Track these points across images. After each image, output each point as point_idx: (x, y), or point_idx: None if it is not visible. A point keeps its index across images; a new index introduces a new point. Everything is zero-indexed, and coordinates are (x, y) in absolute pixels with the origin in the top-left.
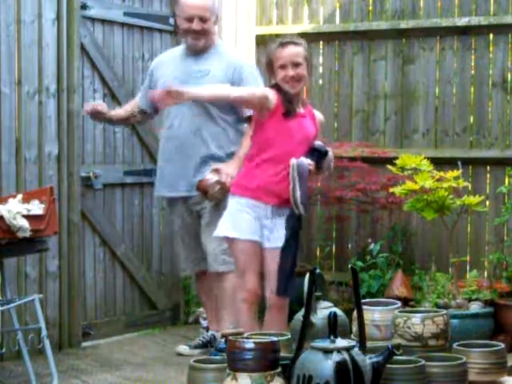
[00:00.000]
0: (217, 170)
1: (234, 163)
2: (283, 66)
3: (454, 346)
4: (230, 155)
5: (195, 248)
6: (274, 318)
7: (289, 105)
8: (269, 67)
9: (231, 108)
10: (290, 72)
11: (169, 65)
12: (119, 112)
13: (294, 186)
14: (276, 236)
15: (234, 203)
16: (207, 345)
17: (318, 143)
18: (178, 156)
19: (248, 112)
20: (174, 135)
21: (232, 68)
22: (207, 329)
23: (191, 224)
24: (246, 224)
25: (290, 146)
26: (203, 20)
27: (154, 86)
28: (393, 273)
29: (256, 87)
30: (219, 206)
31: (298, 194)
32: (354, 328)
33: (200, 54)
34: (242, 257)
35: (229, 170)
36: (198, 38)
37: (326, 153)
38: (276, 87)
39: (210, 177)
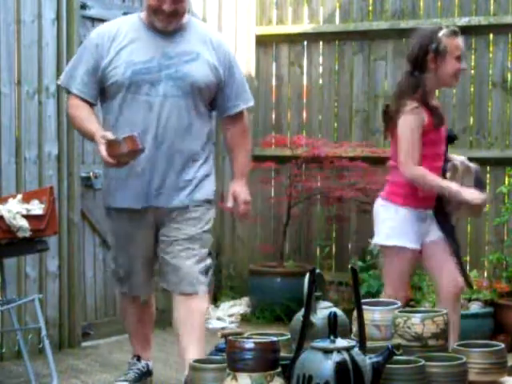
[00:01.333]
0: (233, 197)
1: (245, 186)
2: (458, 58)
3: (454, 345)
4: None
5: (151, 268)
6: (454, 305)
7: (438, 119)
8: (427, 54)
9: (211, 101)
10: (463, 65)
11: (132, 42)
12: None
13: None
14: (434, 230)
15: (397, 212)
16: (143, 376)
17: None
18: (162, 160)
19: (240, 106)
20: (157, 133)
21: (222, 54)
22: (138, 357)
23: (151, 239)
24: (413, 233)
25: (441, 147)
26: (177, 0)
27: (111, 68)
28: None
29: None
30: (203, 218)
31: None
32: (354, 328)
33: (174, 33)
34: (405, 266)
35: (246, 197)
36: (168, 21)
37: (455, 137)
38: (422, 99)
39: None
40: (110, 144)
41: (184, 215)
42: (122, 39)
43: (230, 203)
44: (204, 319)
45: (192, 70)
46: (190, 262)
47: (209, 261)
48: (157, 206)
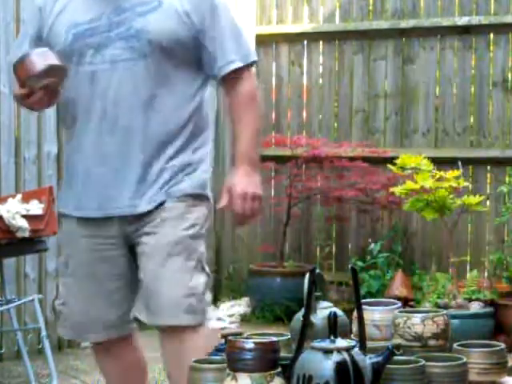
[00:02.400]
0: (227, 191)
1: (249, 175)
2: None
3: (455, 346)
4: (199, 147)
5: (114, 301)
6: None
7: None
8: None
9: (195, 53)
10: None
11: None
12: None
13: None
14: None
15: None
16: None
17: None
18: (116, 148)
19: (231, 65)
20: (106, 113)
21: None
22: None
23: (116, 262)
24: None
25: None
26: None
27: (52, 35)
28: (393, 273)
29: (233, 32)
30: (188, 217)
31: None
32: (354, 328)
33: None
34: None
35: (248, 189)
36: None
37: None
38: None
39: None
40: (20, 66)
41: (159, 216)
42: None
43: (223, 200)
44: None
45: (149, 24)
46: (169, 282)
47: (202, 278)
48: (120, 214)
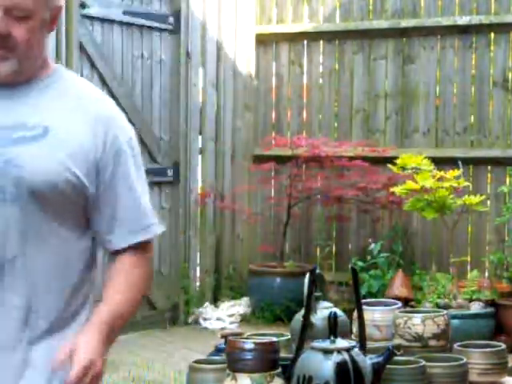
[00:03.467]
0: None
1: (101, 340)
2: None
3: (455, 346)
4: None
5: None
6: None
7: None
8: None
9: (82, 207)
10: None
11: None
12: None
13: None
14: None
15: None
16: None
17: None
18: None
19: (130, 238)
20: None
21: (101, 127)
22: None
23: None
24: None
25: None
26: (17, 14)
27: None
28: (393, 273)
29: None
30: None
31: None
32: (354, 328)
33: (16, 86)
34: None
35: (97, 361)
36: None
37: None
38: None
39: None
40: None
41: None
42: None
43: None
44: None
45: (20, 157)
46: None
47: None
48: None
